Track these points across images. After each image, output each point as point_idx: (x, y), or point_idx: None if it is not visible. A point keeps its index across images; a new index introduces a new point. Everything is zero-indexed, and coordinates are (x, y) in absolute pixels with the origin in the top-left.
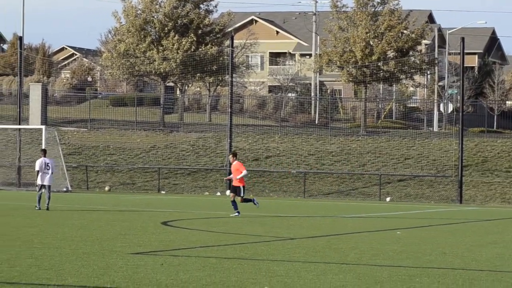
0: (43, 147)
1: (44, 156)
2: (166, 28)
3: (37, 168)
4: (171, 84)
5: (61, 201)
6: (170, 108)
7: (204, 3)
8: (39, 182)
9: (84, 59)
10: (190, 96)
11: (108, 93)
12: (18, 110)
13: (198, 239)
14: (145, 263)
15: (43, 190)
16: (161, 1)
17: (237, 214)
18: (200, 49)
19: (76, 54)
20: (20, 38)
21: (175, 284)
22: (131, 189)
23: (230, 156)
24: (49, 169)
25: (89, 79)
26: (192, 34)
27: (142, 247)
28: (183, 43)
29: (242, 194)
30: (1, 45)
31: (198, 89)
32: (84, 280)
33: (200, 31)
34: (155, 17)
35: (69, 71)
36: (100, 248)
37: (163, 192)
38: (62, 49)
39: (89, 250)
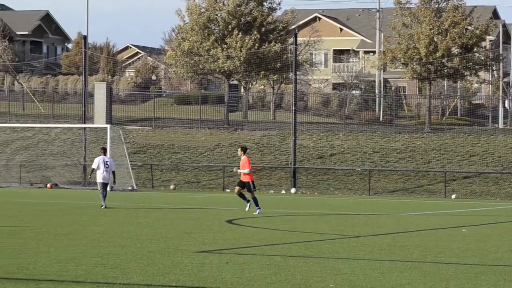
0: (106, 146)
1: (104, 155)
2: (229, 26)
3: (93, 166)
4: (235, 82)
5: (127, 200)
6: (234, 106)
7: (268, 1)
8: (99, 180)
9: (148, 57)
10: (254, 94)
11: (172, 92)
12: (83, 109)
13: (263, 237)
14: (210, 261)
15: (105, 188)
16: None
17: (259, 210)
18: (264, 47)
19: (140, 53)
20: (85, 37)
21: (240, 282)
22: (196, 187)
23: (239, 150)
24: (108, 167)
25: (153, 77)
26: (255, 32)
27: (207, 245)
28: (247, 41)
29: (252, 189)
30: (66, 44)
31: (262, 87)
32: (149, 278)
33: (263, 29)
34: (219, 15)
35: (133, 70)
36: (165, 247)
37: (227, 190)
38: (126, 48)
39: (154, 249)
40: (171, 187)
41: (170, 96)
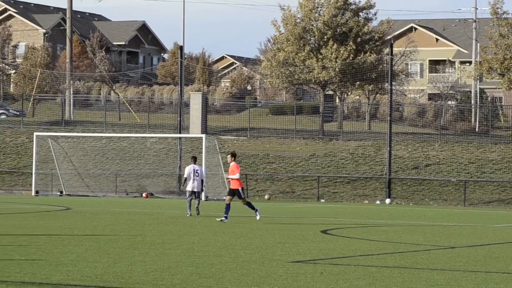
0: (196, 155)
1: (194, 163)
2: (325, 37)
3: (185, 175)
4: (331, 92)
5: (222, 210)
6: (330, 116)
7: (364, 11)
8: (188, 188)
9: (244, 68)
10: (349, 104)
11: (267, 102)
12: (178, 119)
13: (358, 248)
14: (304, 272)
15: (192, 197)
16: (320, 10)
17: (257, 215)
18: (359, 57)
19: (235, 63)
20: (181, 48)
21: None
22: (291, 197)
23: (229, 156)
24: (198, 176)
25: (249, 87)
26: (351, 43)
27: (301, 255)
28: (342, 51)
29: (243, 196)
30: (162, 54)
31: (358, 97)
32: None
33: (359, 39)
34: (314, 25)
35: (228, 80)
36: (260, 257)
37: (322, 200)
38: (222, 58)
39: (249, 258)
40: (266, 197)
41: (265, 106)
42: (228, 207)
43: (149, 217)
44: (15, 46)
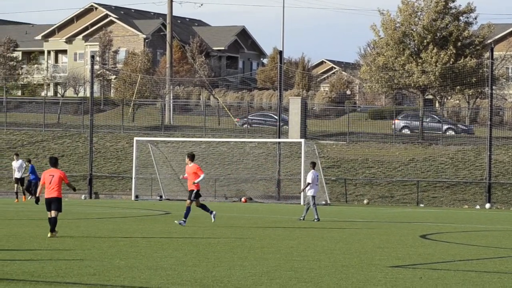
0: (313, 160)
1: (313, 169)
2: (425, 41)
3: (309, 180)
4: (430, 96)
5: (321, 214)
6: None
7: (464, 15)
8: (311, 194)
9: (343, 72)
10: (449, 109)
11: (367, 106)
12: (278, 123)
13: (457, 253)
14: (403, 276)
15: (312, 202)
16: (420, 14)
17: (182, 222)
18: (459, 62)
19: (335, 68)
20: (280, 53)
21: None
22: (390, 202)
23: (187, 157)
24: (317, 181)
25: (348, 92)
26: (451, 47)
27: (400, 260)
28: (442, 56)
29: (192, 198)
30: (261, 59)
31: (457, 101)
32: None
33: (459, 44)
34: (414, 30)
35: (328, 85)
36: (359, 261)
37: (421, 205)
38: (321, 62)
39: (348, 263)
40: (365, 201)
41: (365, 111)
42: (203, 206)
43: (248, 221)
44: (116, 52)
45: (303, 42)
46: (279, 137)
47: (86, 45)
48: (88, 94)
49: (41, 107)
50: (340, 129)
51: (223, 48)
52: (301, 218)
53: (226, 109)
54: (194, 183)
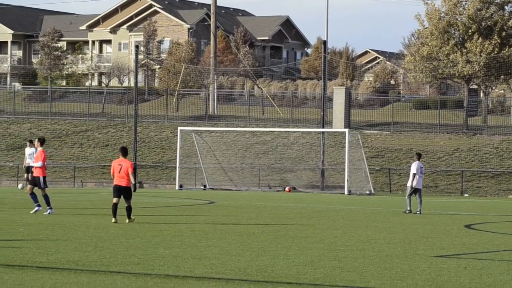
0: (418, 151)
1: (419, 160)
2: (469, 31)
3: (413, 171)
4: (475, 86)
5: (364, 204)
6: (474, 111)
7: (509, 5)
8: (412, 184)
9: (387, 62)
10: (494, 99)
11: (411, 96)
12: (322, 113)
13: (502, 243)
14: (448, 266)
15: (413, 194)
16: (465, 4)
17: (50, 210)
18: (504, 51)
19: (379, 58)
20: (324, 42)
21: (479, 287)
22: (434, 192)
23: (36, 140)
24: (422, 173)
25: (392, 82)
26: (496, 36)
27: (445, 250)
28: (487, 45)
29: (43, 186)
30: (305, 49)
31: (502, 91)
32: (387, 282)
33: (504, 33)
34: (459, 19)
35: (372, 74)
36: (403, 251)
37: (466, 195)
38: (365, 52)
39: (392, 253)
40: None
41: (409, 101)
42: (32, 196)
43: (292, 211)
44: (160, 42)
45: (347, 31)
46: (323, 127)
47: (131, 35)
48: (132, 84)
49: (86, 96)
50: (384, 119)
51: (267, 38)
52: (407, 211)
53: (270, 99)
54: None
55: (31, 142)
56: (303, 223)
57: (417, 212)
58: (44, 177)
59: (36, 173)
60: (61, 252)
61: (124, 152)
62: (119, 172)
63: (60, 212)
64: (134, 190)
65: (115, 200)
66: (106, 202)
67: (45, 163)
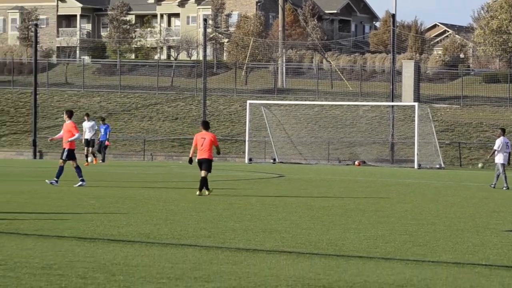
0: (501, 127)
1: (503, 135)
2: None
3: (495, 147)
4: None
5: (434, 178)
6: None
7: None
8: (499, 161)
9: (456, 36)
10: None
11: (480, 70)
12: (390, 87)
13: None
14: None
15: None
16: None
17: (80, 183)
18: None
19: (448, 31)
20: (393, 16)
21: None
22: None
23: (64, 114)
24: (508, 149)
25: (461, 55)
26: None
27: None
28: None
29: (64, 158)
30: (374, 22)
31: None
32: (458, 256)
33: None
34: None
35: (441, 48)
36: (473, 225)
37: None
38: (434, 26)
39: (463, 227)
40: (479, 165)
41: (479, 74)
42: (77, 169)
43: (362, 185)
44: (228, 15)
45: (415, 5)
46: (392, 101)
47: (199, 8)
48: (201, 57)
49: (155, 70)
50: (454, 93)
51: (335, 11)
52: (492, 185)
53: (339, 72)
54: (67, 141)
55: (88, 115)
56: (373, 197)
57: (504, 188)
58: (70, 150)
59: (65, 145)
60: (132, 225)
61: (206, 125)
62: (202, 146)
63: (131, 185)
64: (218, 153)
65: (203, 173)
66: (176, 175)
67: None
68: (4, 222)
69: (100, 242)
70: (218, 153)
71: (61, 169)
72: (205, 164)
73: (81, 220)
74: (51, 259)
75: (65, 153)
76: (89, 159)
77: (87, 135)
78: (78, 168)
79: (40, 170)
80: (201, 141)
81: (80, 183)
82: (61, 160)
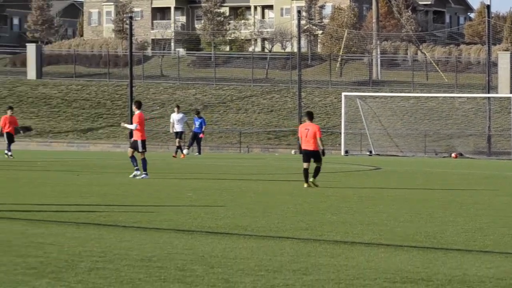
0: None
1: None
2: None
3: None
4: None
5: None
6: None
7: None
8: None
9: None
10: None
11: None
12: (486, 78)
13: None
14: None
15: None
16: None
17: (144, 175)
18: None
19: None
20: (488, 7)
21: None
22: None
23: (133, 105)
24: None
25: None
26: None
27: None
28: None
29: (141, 150)
30: (468, 13)
31: None
32: None
33: None
34: None
35: None
36: None
37: None
38: None
39: None
40: None
41: None
42: (132, 159)
43: (459, 177)
44: (322, 7)
45: None
46: (488, 92)
47: (292, 0)
48: (295, 49)
49: (249, 62)
50: None
51: (429, 2)
52: None
53: (434, 64)
54: (125, 127)
55: (178, 107)
56: (471, 189)
57: None
58: (143, 141)
59: (135, 136)
60: (230, 217)
61: (310, 116)
62: (306, 137)
63: (227, 177)
64: (323, 155)
65: (305, 165)
66: (271, 167)
67: (144, 127)
68: (103, 214)
69: (198, 235)
70: (321, 146)
71: (144, 162)
72: (313, 156)
73: (179, 212)
74: (149, 251)
75: (139, 145)
76: (185, 151)
77: (177, 127)
78: (144, 160)
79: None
80: (305, 132)
81: (144, 175)
82: (139, 153)
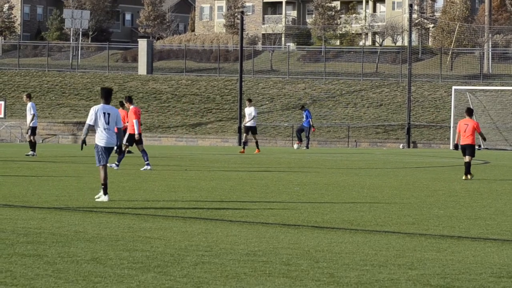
0: None
1: None
2: None
3: None
4: None
5: None
6: None
7: None
8: None
9: None
10: None
11: None
12: None
13: None
14: None
15: None
16: None
17: (146, 167)
18: None
19: None
20: None
21: None
22: None
23: (124, 100)
24: None
25: None
26: None
27: None
28: None
29: (125, 142)
30: None
31: None
32: None
33: None
34: None
35: None
36: None
37: None
38: None
39: None
40: None
41: None
42: (143, 153)
43: None
44: (434, 0)
45: None
46: None
47: None
48: (406, 43)
49: (359, 56)
50: None
51: None
52: None
53: None
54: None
55: (250, 101)
56: None
57: None
58: (131, 135)
59: (129, 130)
60: (336, 212)
61: (470, 112)
62: (465, 131)
63: (335, 172)
64: (484, 139)
65: (466, 158)
66: (379, 162)
67: (139, 121)
68: (210, 208)
69: (304, 229)
70: (484, 139)
71: (143, 153)
72: (469, 149)
73: (285, 207)
74: (255, 245)
75: (126, 137)
76: (295, 146)
77: (248, 122)
78: (144, 152)
79: (245, 157)
80: (464, 127)
81: (146, 167)
82: (138, 146)
